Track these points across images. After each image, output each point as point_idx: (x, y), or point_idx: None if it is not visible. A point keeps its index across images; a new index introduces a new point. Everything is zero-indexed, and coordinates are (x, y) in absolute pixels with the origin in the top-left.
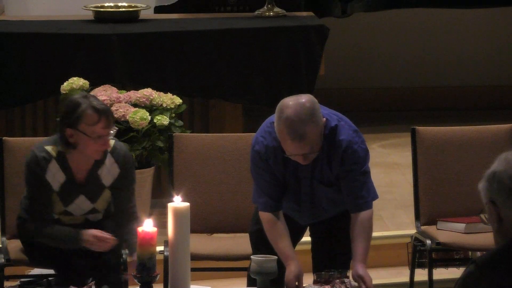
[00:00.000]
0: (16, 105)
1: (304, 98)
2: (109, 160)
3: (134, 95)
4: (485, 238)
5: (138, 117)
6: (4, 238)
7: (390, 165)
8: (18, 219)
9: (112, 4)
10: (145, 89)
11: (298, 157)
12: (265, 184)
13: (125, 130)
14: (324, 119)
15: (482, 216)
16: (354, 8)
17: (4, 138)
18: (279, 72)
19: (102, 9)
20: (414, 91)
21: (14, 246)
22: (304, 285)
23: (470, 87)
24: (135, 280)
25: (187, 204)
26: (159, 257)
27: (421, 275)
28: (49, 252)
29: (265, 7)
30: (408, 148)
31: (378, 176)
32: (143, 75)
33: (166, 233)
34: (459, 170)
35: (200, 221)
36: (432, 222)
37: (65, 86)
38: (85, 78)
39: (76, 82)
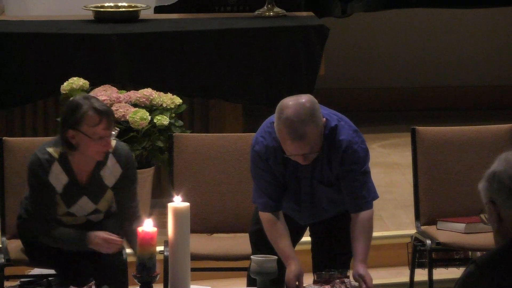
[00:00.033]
0: (16, 105)
1: (304, 98)
2: (111, 160)
3: (134, 95)
4: (485, 238)
5: (138, 117)
6: (4, 238)
7: (390, 165)
8: (18, 219)
9: (112, 4)
10: (145, 89)
11: (298, 157)
12: (265, 184)
13: (125, 130)
14: (324, 119)
15: (482, 216)
16: (354, 8)
17: (4, 138)
18: (279, 72)
19: (102, 9)
20: (414, 91)
21: (14, 246)
22: (304, 285)
23: (470, 87)
24: (135, 280)
25: (187, 204)
26: (159, 257)
27: (421, 275)
28: (49, 252)
29: (265, 7)
30: (408, 148)
31: (378, 176)
32: (143, 75)
33: (166, 233)
34: (459, 170)
35: (200, 221)
36: (432, 222)
37: (65, 86)
38: (85, 78)
39: (76, 82)
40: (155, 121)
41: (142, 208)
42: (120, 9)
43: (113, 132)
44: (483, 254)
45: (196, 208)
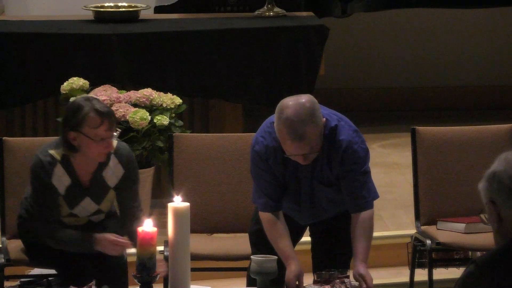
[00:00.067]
0: (16, 105)
1: (304, 98)
2: (113, 161)
3: (134, 95)
4: (485, 238)
5: (138, 117)
6: (4, 238)
7: (390, 165)
8: (18, 219)
9: (112, 4)
10: (145, 89)
11: (298, 157)
12: (265, 184)
13: (125, 130)
14: (324, 119)
15: (482, 216)
16: (354, 8)
17: (4, 138)
18: (279, 72)
19: (102, 9)
20: (414, 91)
21: (14, 246)
22: (304, 285)
23: (470, 87)
24: (135, 280)
25: (187, 204)
26: (159, 257)
27: (421, 275)
28: (50, 252)
29: (265, 7)
30: (408, 148)
31: (378, 176)
32: (143, 75)
33: (166, 233)
34: (459, 170)
35: (200, 221)
36: (432, 222)
37: (65, 86)
38: (85, 78)
39: (76, 82)
40: (155, 121)
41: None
42: (120, 9)
43: (115, 133)
44: (483, 254)
45: (196, 208)
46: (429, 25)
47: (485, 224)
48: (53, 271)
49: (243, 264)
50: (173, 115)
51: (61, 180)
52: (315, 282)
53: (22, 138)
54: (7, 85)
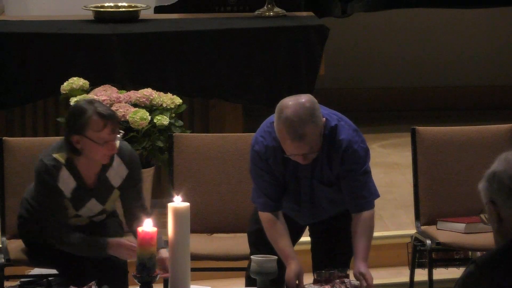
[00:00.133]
0: (16, 105)
1: (304, 98)
2: (116, 161)
3: (134, 95)
4: (485, 238)
5: (138, 117)
6: (4, 238)
7: (390, 165)
8: (18, 219)
9: (112, 4)
10: (145, 89)
11: (297, 157)
12: (265, 184)
13: (125, 130)
14: (324, 119)
15: (482, 216)
16: (354, 8)
17: (4, 138)
18: (279, 72)
19: (102, 9)
20: (414, 91)
21: (14, 246)
22: (304, 284)
23: (470, 87)
24: (135, 280)
25: (187, 204)
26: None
27: (421, 275)
28: (50, 252)
29: (265, 7)
30: (408, 148)
31: (378, 176)
32: (143, 75)
33: (166, 233)
34: (459, 170)
35: (200, 221)
36: (432, 222)
37: (65, 86)
38: (85, 78)
39: (76, 82)
40: (155, 121)
41: None
42: (120, 9)
43: (118, 135)
44: (483, 254)
45: (196, 208)
46: (429, 25)
47: (485, 224)
48: (53, 271)
49: (243, 264)
50: (173, 115)
51: (66, 183)
52: (315, 282)
53: (22, 138)
54: (7, 85)
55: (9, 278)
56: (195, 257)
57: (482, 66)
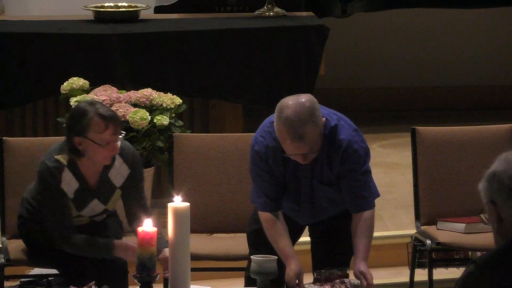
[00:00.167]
0: (16, 105)
1: (304, 98)
2: (118, 161)
3: (134, 95)
4: (485, 238)
5: (138, 117)
6: (4, 238)
7: (390, 165)
8: (19, 219)
9: (112, 4)
10: (145, 89)
11: (297, 157)
12: (264, 184)
13: (125, 130)
14: (324, 118)
15: (482, 216)
16: (354, 8)
17: (4, 138)
18: (279, 72)
19: (102, 9)
20: (414, 91)
21: (14, 246)
22: (304, 284)
23: (470, 87)
24: (135, 280)
25: (187, 204)
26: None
27: (421, 275)
28: (51, 252)
29: (265, 7)
30: (408, 148)
31: (378, 176)
32: (143, 75)
33: (166, 233)
34: (459, 170)
35: (200, 221)
36: (432, 222)
37: (65, 86)
38: (85, 78)
39: (76, 82)
40: (155, 121)
41: None
42: (120, 9)
43: (120, 136)
44: (483, 254)
45: (196, 208)
46: (429, 25)
47: (485, 224)
48: (53, 271)
49: (243, 264)
50: (173, 115)
51: (69, 184)
52: (315, 281)
53: (22, 138)
54: (7, 85)
55: (9, 278)
56: (195, 257)
57: (482, 66)
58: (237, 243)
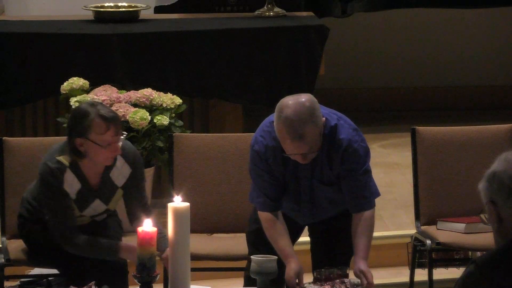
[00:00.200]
0: (16, 105)
1: (304, 98)
2: (119, 161)
3: (134, 95)
4: (485, 238)
5: (138, 117)
6: (4, 238)
7: (390, 165)
8: (19, 219)
9: (112, 4)
10: (145, 89)
11: (297, 156)
12: (264, 184)
13: (125, 130)
14: (324, 118)
15: (482, 216)
16: (354, 8)
17: (4, 138)
18: (279, 72)
19: (102, 9)
20: (414, 91)
21: (14, 246)
22: (304, 283)
23: (470, 87)
24: (135, 280)
25: (187, 204)
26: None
27: (421, 275)
28: (51, 252)
29: (265, 7)
30: (408, 148)
31: (378, 176)
32: (143, 75)
33: (167, 233)
34: (459, 170)
35: (200, 221)
36: (432, 222)
37: (65, 86)
38: (85, 78)
39: (76, 82)
40: (155, 121)
41: None
42: (120, 9)
43: (122, 137)
44: (483, 254)
45: (196, 208)
46: (429, 25)
47: (485, 224)
48: (53, 271)
49: (243, 264)
50: (173, 115)
51: (71, 185)
52: (315, 280)
53: (22, 138)
54: (7, 85)
55: (9, 278)
56: (195, 257)
57: (482, 66)
58: (237, 243)
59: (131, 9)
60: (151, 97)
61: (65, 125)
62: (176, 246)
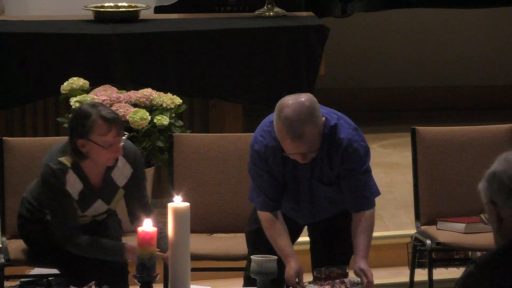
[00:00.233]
0: (16, 105)
1: (304, 97)
2: (121, 161)
3: (134, 95)
4: (485, 238)
5: (138, 117)
6: (4, 238)
7: (390, 165)
8: (19, 218)
9: (112, 4)
10: (145, 89)
11: (296, 156)
12: (264, 184)
13: (125, 130)
14: (324, 118)
15: (482, 216)
16: (354, 8)
17: (4, 138)
18: (279, 72)
19: (102, 9)
20: (414, 91)
21: (14, 246)
22: (304, 283)
23: (470, 87)
24: (135, 280)
25: (187, 204)
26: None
27: (421, 275)
28: (51, 252)
29: (265, 7)
30: (408, 148)
31: (378, 176)
32: (143, 75)
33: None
34: (459, 170)
35: (200, 221)
36: (432, 222)
37: (65, 86)
38: (85, 78)
39: (76, 82)
40: (155, 121)
41: None
42: (120, 9)
43: (123, 137)
44: (483, 254)
45: (196, 208)
46: (429, 25)
47: (485, 224)
48: (53, 271)
49: (243, 264)
50: (173, 115)
51: (74, 186)
52: (315, 279)
53: (22, 138)
54: (7, 85)
55: (9, 278)
56: (195, 257)
57: (482, 66)
58: (237, 243)
59: (131, 9)
60: (151, 97)
61: (65, 125)
62: (176, 246)
